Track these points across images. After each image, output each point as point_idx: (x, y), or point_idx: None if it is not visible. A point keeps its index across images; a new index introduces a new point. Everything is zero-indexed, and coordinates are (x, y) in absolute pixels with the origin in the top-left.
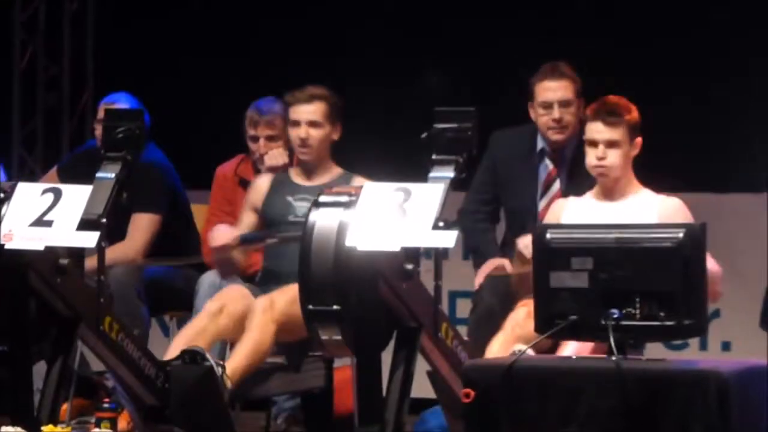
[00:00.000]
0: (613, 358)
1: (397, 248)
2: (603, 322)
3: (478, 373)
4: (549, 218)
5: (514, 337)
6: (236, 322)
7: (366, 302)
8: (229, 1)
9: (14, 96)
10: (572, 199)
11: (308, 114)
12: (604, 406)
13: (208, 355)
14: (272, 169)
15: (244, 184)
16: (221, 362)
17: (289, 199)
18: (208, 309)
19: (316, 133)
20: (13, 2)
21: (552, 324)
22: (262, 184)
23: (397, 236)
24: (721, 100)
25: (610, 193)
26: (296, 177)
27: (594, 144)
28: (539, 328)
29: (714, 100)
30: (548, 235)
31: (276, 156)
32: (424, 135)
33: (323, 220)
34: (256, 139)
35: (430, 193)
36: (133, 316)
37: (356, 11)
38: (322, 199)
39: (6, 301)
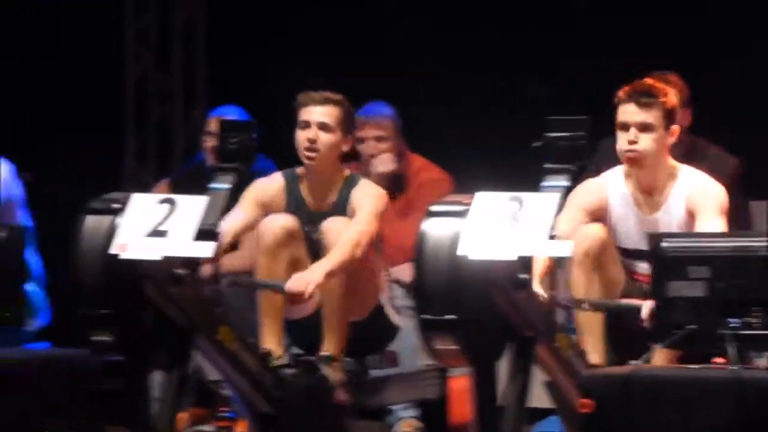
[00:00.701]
0: (733, 368)
1: (511, 258)
2: (721, 332)
3: (596, 383)
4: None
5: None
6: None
7: (481, 312)
8: (338, 16)
9: (127, 108)
10: (611, 189)
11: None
12: (723, 418)
13: (323, 366)
14: (381, 176)
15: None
16: (332, 353)
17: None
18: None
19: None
20: (125, 15)
21: (669, 334)
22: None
23: (511, 245)
24: None
25: (647, 187)
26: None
27: (625, 127)
28: (656, 338)
29: None
30: (664, 244)
31: (385, 161)
32: (536, 144)
33: (436, 230)
34: (362, 140)
35: (544, 202)
36: (247, 325)
37: (470, 21)
38: (435, 209)
39: (122, 312)
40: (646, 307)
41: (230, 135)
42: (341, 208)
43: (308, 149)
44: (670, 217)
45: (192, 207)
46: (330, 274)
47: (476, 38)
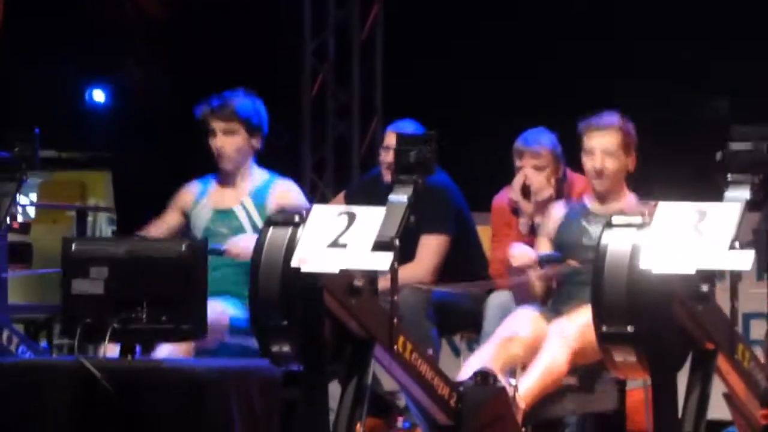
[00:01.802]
0: None
1: (692, 270)
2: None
3: None
4: None
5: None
6: (528, 349)
7: (661, 324)
8: (509, 33)
9: (305, 123)
10: None
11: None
12: None
13: (500, 376)
14: (541, 204)
15: (516, 212)
16: (514, 383)
17: (584, 223)
18: (500, 335)
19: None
20: (304, 32)
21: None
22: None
23: (692, 258)
24: None
25: None
26: (590, 202)
27: None
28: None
29: None
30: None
31: (543, 190)
32: (718, 155)
33: (616, 242)
34: (521, 168)
35: (726, 214)
36: (424, 337)
37: (643, 31)
38: (615, 220)
39: (301, 323)
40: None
41: (408, 148)
42: None
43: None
44: None
45: (371, 219)
46: None
47: (647, 48)
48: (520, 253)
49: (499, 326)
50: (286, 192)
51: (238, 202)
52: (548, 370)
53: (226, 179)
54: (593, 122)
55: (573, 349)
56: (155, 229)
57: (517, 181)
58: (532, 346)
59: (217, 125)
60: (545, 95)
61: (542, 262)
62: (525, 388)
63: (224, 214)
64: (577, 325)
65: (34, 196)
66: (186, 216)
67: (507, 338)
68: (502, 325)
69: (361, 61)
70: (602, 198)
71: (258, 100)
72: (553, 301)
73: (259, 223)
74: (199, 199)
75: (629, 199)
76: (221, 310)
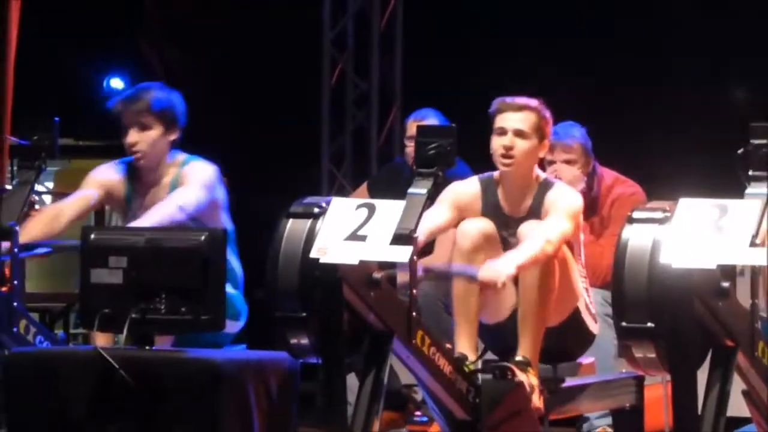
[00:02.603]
0: None
1: (713, 266)
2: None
3: None
4: None
5: None
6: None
7: (681, 320)
8: (536, 18)
9: (323, 113)
10: None
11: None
12: None
13: (517, 371)
14: None
15: None
16: (535, 383)
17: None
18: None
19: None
20: (323, 21)
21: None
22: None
23: (713, 254)
24: None
25: None
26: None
27: None
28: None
29: None
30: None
31: (574, 184)
32: (740, 151)
33: (637, 237)
34: (551, 163)
35: (747, 210)
36: (442, 330)
37: (675, 30)
38: (636, 215)
39: (320, 315)
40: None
41: (429, 140)
42: (536, 213)
43: (504, 156)
44: None
45: (390, 212)
46: (521, 267)
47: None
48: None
49: None
50: (188, 172)
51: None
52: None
53: (146, 176)
54: (508, 100)
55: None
56: (75, 205)
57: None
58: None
59: (130, 119)
60: (572, 85)
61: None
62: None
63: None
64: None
65: (50, 185)
66: (110, 197)
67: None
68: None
69: (381, 51)
70: (512, 185)
71: (174, 92)
72: None
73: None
74: (130, 197)
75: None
76: None
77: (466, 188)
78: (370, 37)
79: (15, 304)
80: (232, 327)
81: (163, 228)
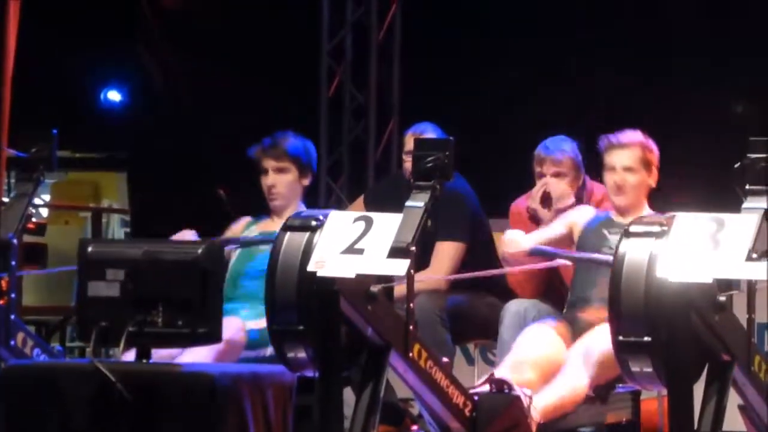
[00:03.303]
0: None
1: (709, 280)
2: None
3: None
4: None
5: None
6: (541, 372)
7: (677, 334)
8: (535, 31)
9: (321, 124)
10: None
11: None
12: None
13: (515, 386)
14: (561, 212)
15: (535, 219)
16: (529, 392)
17: (604, 231)
18: (513, 358)
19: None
20: (321, 32)
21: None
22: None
23: (710, 267)
24: None
25: None
26: (613, 215)
27: None
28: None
29: None
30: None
31: (563, 198)
32: (737, 165)
33: (634, 251)
34: (541, 176)
35: (743, 224)
36: (439, 344)
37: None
38: (633, 229)
39: (317, 328)
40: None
41: (426, 153)
42: None
43: (616, 193)
44: None
45: (387, 225)
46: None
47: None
48: (512, 240)
49: (515, 334)
50: None
51: None
52: (569, 393)
53: (276, 216)
54: (613, 139)
55: (594, 374)
56: None
57: (537, 189)
58: (546, 367)
59: (269, 164)
60: (568, 99)
61: (534, 253)
62: (543, 406)
63: (268, 234)
64: (599, 350)
65: (47, 197)
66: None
67: (520, 361)
68: (516, 343)
69: (379, 62)
70: (623, 213)
71: (308, 141)
72: (568, 305)
73: None
74: (248, 227)
75: (649, 213)
76: (238, 326)
77: (584, 210)
78: (368, 48)
79: (12, 317)
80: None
81: (160, 241)
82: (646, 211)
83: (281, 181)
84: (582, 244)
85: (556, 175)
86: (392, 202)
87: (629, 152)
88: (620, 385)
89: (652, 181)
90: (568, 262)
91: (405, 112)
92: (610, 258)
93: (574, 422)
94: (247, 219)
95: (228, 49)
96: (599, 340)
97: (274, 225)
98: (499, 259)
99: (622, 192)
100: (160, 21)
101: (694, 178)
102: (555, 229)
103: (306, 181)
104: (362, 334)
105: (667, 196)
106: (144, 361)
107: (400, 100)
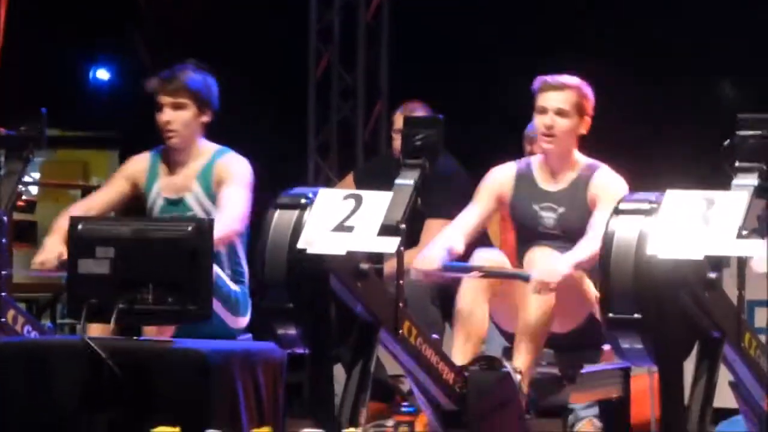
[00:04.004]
0: None
1: (700, 257)
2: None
3: None
4: None
5: None
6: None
7: (667, 311)
8: (523, 12)
9: (309, 105)
10: None
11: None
12: None
13: (505, 361)
14: None
15: None
16: (518, 368)
17: (535, 207)
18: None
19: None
20: (309, 13)
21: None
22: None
23: (700, 245)
24: None
25: None
26: (538, 172)
27: None
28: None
29: None
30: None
31: None
32: (726, 142)
33: (623, 228)
34: (532, 154)
35: (734, 201)
36: (429, 321)
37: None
38: (623, 206)
39: (307, 306)
40: (534, 275)
41: (416, 131)
42: (578, 189)
43: (545, 135)
44: None
45: (377, 202)
46: (578, 266)
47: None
48: (424, 258)
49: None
50: (227, 165)
51: (188, 189)
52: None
53: (174, 157)
54: (550, 79)
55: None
56: (101, 197)
57: None
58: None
59: (165, 99)
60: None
61: (445, 270)
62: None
63: (176, 204)
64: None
65: (36, 175)
66: (136, 188)
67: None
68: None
69: (367, 43)
70: (552, 164)
71: (208, 75)
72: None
73: (211, 208)
74: (151, 183)
75: (579, 165)
76: None
77: (501, 171)
78: (357, 30)
79: (3, 294)
80: (241, 323)
81: (149, 219)
82: (575, 159)
83: (178, 118)
84: (518, 223)
85: None
86: (382, 180)
87: (564, 94)
88: (587, 365)
89: (584, 128)
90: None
91: (393, 92)
92: (526, 273)
93: (564, 399)
94: (146, 161)
95: (217, 29)
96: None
97: (175, 182)
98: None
99: (552, 135)
100: (150, 3)
101: (683, 156)
102: (479, 207)
103: (205, 118)
104: (352, 311)
105: (658, 173)
106: (134, 338)
107: (389, 81)
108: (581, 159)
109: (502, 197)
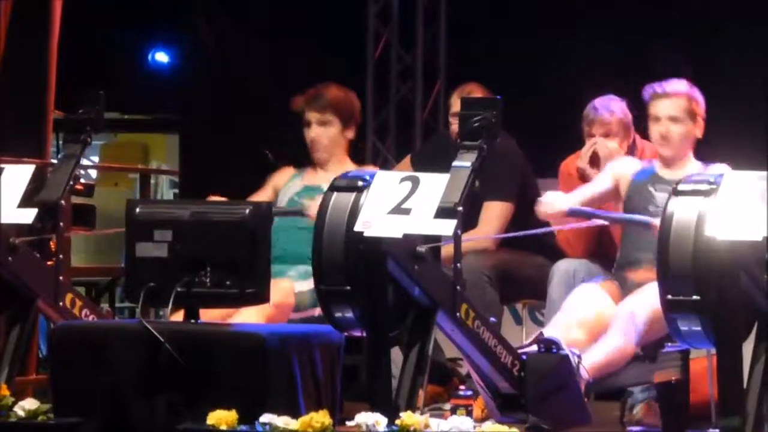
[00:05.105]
0: None
1: (759, 238)
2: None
3: None
4: None
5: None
6: (590, 332)
7: (726, 293)
8: None
9: (368, 86)
10: None
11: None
12: None
13: (563, 344)
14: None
15: (584, 179)
16: (577, 352)
17: (650, 188)
18: (562, 319)
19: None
20: None
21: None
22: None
23: (759, 225)
24: None
25: None
26: (658, 167)
27: None
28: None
29: None
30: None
31: (613, 158)
32: None
33: (682, 209)
34: (590, 136)
35: None
36: (486, 304)
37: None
38: (681, 187)
39: (364, 288)
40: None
41: (473, 112)
42: None
43: (661, 144)
44: None
45: (434, 185)
46: None
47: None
48: (550, 201)
49: (564, 293)
50: None
51: (329, 181)
52: (617, 351)
53: (320, 168)
54: (658, 88)
55: (643, 332)
56: None
57: (586, 149)
58: (595, 327)
59: (312, 116)
60: (616, 59)
61: (570, 215)
62: (590, 363)
63: (312, 189)
64: (647, 308)
65: (95, 159)
66: (276, 194)
67: (568, 321)
68: (565, 303)
69: (425, 23)
70: (668, 164)
71: (351, 92)
72: (617, 265)
73: None
74: (293, 179)
75: (695, 165)
76: (287, 290)
77: (627, 159)
78: (415, 10)
79: (61, 278)
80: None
81: (208, 201)
82: (692, 162)
83: (324, 134)
84: (628, 201)
85: (605, 135)
86: (439, 162)
87: (675, 102)
88: (669, 344)
89: (698, 132)
90: (606, 222)
91: (451, 73)
92: (650, 219)
93: (622, 381)
94: (291, 170)
95: (277, 12)
96: (647, 297)
97: (317, 177)
98: None
99: (668, 142)
100: None
101: (743, 131)
102: (601, 183)
103: (350, 134)
104: (409, 294)
105: (714, 147)
106: (192, 321)
107: (447, 62)
108: (697, 162)
109: (622, 182)
